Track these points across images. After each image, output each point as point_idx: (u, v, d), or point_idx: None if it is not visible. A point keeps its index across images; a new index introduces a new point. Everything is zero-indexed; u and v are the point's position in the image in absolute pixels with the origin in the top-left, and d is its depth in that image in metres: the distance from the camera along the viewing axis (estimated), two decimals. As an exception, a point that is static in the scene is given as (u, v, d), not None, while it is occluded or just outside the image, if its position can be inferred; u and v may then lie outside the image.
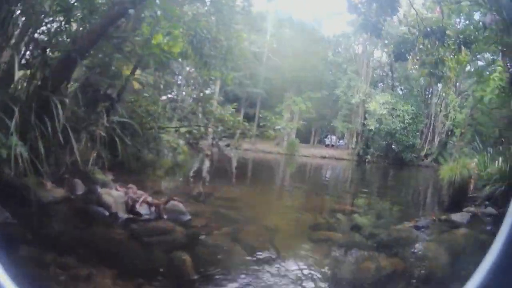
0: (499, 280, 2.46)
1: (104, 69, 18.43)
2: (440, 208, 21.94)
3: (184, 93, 24.98)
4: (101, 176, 15.51)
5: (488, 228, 16.31)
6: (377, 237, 14.49)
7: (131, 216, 13.13)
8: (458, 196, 20.02)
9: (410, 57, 25.14)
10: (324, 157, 50.56)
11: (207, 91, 52.15)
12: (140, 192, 14.16)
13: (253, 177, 30.47)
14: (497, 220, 16.32)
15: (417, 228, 15.99)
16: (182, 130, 23.96)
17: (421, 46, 23.17)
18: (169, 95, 24.92)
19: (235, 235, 12.84)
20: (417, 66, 29.31)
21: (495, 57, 38.02)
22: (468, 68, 42.89)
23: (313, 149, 52.81)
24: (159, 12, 19.52)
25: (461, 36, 22.11)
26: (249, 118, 36.88)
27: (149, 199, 13.81)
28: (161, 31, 20.20)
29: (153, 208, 13.51)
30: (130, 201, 13.47)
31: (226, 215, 15.44)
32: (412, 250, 13.96)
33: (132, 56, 20.05)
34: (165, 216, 13.30)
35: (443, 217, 17.46)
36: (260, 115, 37.63)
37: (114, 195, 13.59)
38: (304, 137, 53.10)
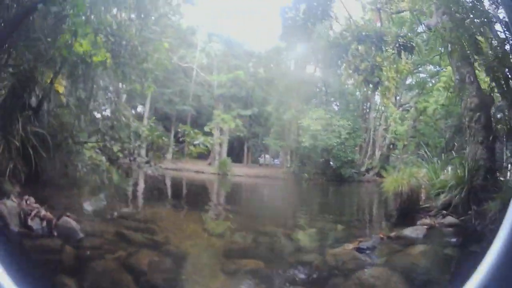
0: (499, 280, 2.49)
1: (25, 77, 17.50)
2: (389, 224, 19.74)
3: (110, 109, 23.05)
4: (9, 187, 14.21)
5: (452, 240, 14.77)
6: (307, 266, 12.65)
7: (22, 229, 11.94)
8: (408, 208, 18.36)
9: (344, 65, 24.19)
10: (258, 177, 49.19)
11: (139, 109, 52.32)
12: (35, 205, 13.00)
13: (181, 197, 28.76)
14: (461, 230, 15.15)
15: (361, 250, 13.78)
16: (100, 145, 22.41)
17: (355, 52, 22.10)
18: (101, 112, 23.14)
19: (128, 261, 11.46)
20: (351, 79, 27.74)
21: (439, 69, 38.47)
22: (409, 81, 43.48)
23: (247, 168, 51.65)
24: (83, 17, 19.62)
25: (401, 40, 21.12)
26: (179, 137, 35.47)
27: (42, 212, 12.63)
28: (83, 36, 19.95)
29: (44, 223, 12.26)
30: (22, 214, 12.26)
31: (129, 237, 14.00)
32: (355, 280, 11.48)
33: (52, 64, 19.53)
34: (55, 233, 12.11)
35: (393, 233, 15.39)
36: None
37: (8, 205, 12.44)
38: (237, 156, 52.37)
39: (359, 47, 21.60)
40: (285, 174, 49.36)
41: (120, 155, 21.24)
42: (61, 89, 22.41)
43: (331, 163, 47.04)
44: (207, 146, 21.12)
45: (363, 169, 47.85)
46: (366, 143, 48.82)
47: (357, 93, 50.41)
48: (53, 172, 17.87)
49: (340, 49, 20.99)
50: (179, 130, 22.50)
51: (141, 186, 28.45)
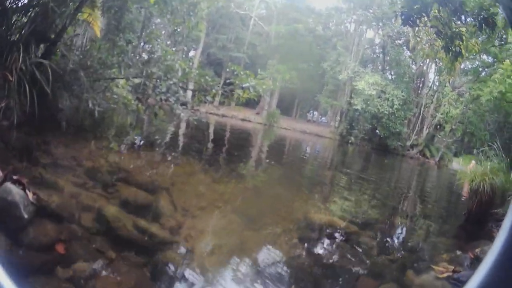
0: (499, 280, 1.92)
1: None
2: (464, 233, 15.46)
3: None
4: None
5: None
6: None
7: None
8: (481, 212, 14.27)
9: (417, 29, 20.90)
10: (304, 132, 47.16)
11: (191, 54, 50.02)
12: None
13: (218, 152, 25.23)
14: None
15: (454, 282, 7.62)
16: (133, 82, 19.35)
17: (437, 15, 18.69)
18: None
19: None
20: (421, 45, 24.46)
21: (492, 60, 37.50)
22: (463, 65, 40.17)
23: (295, 122, 49.74)
24: None
25: (484, 13, 17.69)
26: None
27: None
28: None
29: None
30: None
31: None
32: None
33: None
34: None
35: (477, 250, 9.37)
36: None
37: None
38: (286, 109, 50.28)
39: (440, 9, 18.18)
40: (332, 134, 47.30)
41: (155, 95, 17.87)
42: (96, 24, 19.99)
43: (377, 131, 44.66)
44: (257, 92, 17.33)
45: (408, 143, 45.14)
46: (415, 118, 45.80)
47: (413, 65, 48.08)
48: (61, 112, 14.48)
49: (422, 8, 17.37)
50: (227, 70, 18.82)
51: (175, 131, 25.85)
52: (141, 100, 18.25)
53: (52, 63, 14.13)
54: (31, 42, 13.93)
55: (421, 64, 47.62)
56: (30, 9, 14.63)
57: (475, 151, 39.60)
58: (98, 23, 20.16)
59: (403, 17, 18.04)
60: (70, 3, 15.86)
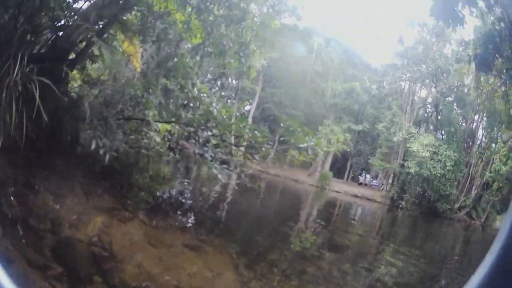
0: (499, 280, 2.21)
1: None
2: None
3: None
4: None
5: None
6: None
7: None
8: None
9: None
10: (356, 196, 43.14)
11: (246, 108, 47.40)
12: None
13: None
14: None
15: None
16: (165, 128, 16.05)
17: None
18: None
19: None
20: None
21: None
22: None
23: (346, 185, 45.87)
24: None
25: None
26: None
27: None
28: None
29: None
30: None
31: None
32: None
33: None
34: None
35: None
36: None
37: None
38: (338, 171, 47.21)
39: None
40: (383, 198, 43.31)
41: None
42: (136, 58, 17.70)
43: (426, 194, 40.47)
44: (316, 155, 13.72)
45: (456, 206, 40.89)
46: (464, 178, 41.40)
47: (463, 124, 44.04)
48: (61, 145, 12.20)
49: (494, 49, 13.83)
50: (281, 125, 14.97)
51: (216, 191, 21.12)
52: (173, 149, 14.41)
53: (63, 88, 12.51)
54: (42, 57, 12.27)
55: (472, 121, 43.92)
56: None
57: None
58: (138, 57, 17.61)
59: (476, 61, 15.03)
60: (98, 23, 14.02)
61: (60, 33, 13.17)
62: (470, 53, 18.36)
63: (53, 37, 13.22)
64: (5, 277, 2.46)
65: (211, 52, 17.57)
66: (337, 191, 42.01)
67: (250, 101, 45.54)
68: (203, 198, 18.81)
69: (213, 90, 35.10)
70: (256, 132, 14.90)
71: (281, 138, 16.02)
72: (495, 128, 38.35)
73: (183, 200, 16.56)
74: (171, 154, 14.81)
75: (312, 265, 13.13)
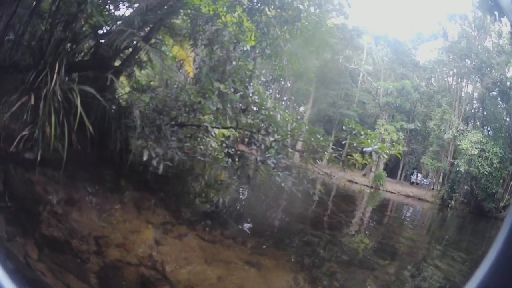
0: (499, 280, 2.17)
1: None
2: None
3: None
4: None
5: None
6: None
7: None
8: None
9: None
10: (408, 196, 42.30)
11: (301, 109, 46.77)
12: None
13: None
14: None
15: None
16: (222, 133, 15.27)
17: None
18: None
19: None
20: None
21: None
22: None
23: (399, 185, 45.00)
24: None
25: None
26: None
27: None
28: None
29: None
30: None
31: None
32: None
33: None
34: None
35: None
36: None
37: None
38: (391, 171, 46.34)
39: None
40: (433, 197, 42.02)
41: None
42: (188, 62, 17.31)
43: (475, 193, 38.80)
44: (381, 157, 12.74)
45: (501, 204, 38.66)
46: (509, 176, 39.33)
47: (507, 119, 42.56)
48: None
49: None
50: (344, 128, 13.83)
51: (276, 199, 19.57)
52: (232, 156, 13.49)
53: (110, 96, 12.29)
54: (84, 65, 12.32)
55: None
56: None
57: None
58: (190, 61, 17.22)
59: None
60: (143, 28, 13.64)
61: (103, 40, 12.81)
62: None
63: (95, 45, 12.89)
64: (5, 277, 2.37)
65: (269, 54, 16.53)
66: (390, 192, 41.25)
67: (305, 101, 45.11)
68: (261, 206, 17.36)
69: (268, 92, 34.28)
70: (318, 135, 13.92)
71: (341, 140, 14.75)
72: None
73: (241, 209, 15.55)
74: (230, 160, 13.63)
75: (370, 275, 12.07)
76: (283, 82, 35.48)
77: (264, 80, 37.19)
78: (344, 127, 13.53)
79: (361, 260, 13.54)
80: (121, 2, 14.42)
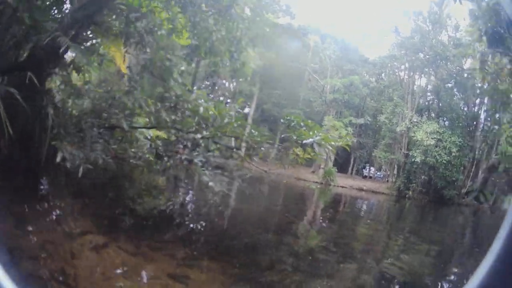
0: (500, 280, 2.19)
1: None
2: None
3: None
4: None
5: None
6: None
7: None
8: None
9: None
10: (361, 190, 42.67)
11: (246, 110, 46.82)
12: None
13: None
14: None
15: None
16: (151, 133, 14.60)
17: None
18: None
19: None
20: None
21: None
22: None
23: (351, 179, 45.42)
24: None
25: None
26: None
27: None
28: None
29: None
30: None
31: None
32: None
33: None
34: None
35: None
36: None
37: None
38: (341, 166, 46.10)
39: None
40: (389, 189, 42.47)
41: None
42: (119, 61, 15.67)
43: (433, 182, 39.70)
44: (324, 149, 12.31)
45: (463, 191, 40.24)
46: (470, 163, 41.06)
47: (465, 108, 44.24)
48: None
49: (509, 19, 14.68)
50: (282, 120, 13.59)
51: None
52: (161, 157, 12.89)
53: (40, 98, 11.66)
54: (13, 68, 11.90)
55: (473, 105, 44.31)
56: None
57: None
58: (121, 60, 15.65)
59: (488, 35, 14.12)
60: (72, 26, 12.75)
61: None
62: (481, 28, 17.47)
63: (32, 46, 12.34)
64: (5, 277, 2.35)
65: (198, 46, 16.49)
66: (342, 186, 41.28)
67: (248, 103, 44.81)
68: (196, 212, 16.45)
69: (205, 90, 34.22)
70: (253, 131, 13.71)
71: (283, 136, 14.38)
72: (500, 110, 34.34)
73: (174, 215, 14.54)
74: (159, 162, 13.04)
75: (322, 284, 11.65)
76: (222, 80, 35.39)
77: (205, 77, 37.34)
78: (282, 120, 13.29)
79: (311, 265, 12.98)
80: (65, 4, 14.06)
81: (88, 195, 12.10)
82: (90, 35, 14.48)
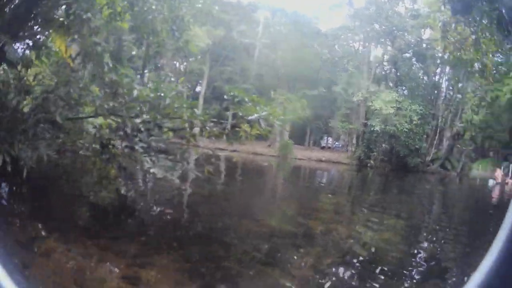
0: (500, 280, 1.82)
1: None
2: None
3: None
4: None
5: None
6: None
7: None
8: None
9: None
10: (320, 161, 43.00)
11: (197, 89, 46.48)
12: None
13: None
14: None
15: None
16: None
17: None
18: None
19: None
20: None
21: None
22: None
23: (309, 151, 45.84)
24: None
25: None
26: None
27: None
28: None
29: None
30: None
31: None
32: None
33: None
34: None
35: None
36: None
37: None
38: (298, 138, 46.56)
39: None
40: (349, 159, 43.01)
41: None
42: (62, 49, 15.18)
43: (395, 150, 40.36)
44: (271, 125, 12.00)
45: (428, 159, 41.47)
46: (433, 131, 42.10)
47: (425, 78, 45.07)
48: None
49: None
50: (225, 97, 13.32)
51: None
52: (105, 147, 12.74)
53: None
54: None
55: (434, 74, 45.32)
56: None
57: (491, 153, 41.61)
58: (65, 50, 15.23)
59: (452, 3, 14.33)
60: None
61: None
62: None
63: None
64: (5, 277, 2.09)
65: (135, 27, 16.63)
66: (300, 159, 41.48)
67: (200, 81, 45.34)
68: (145, 202, 15.19)
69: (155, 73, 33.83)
70: (195, 110, 13.36)
71: (233, 113, 14.10)
72: (464, 79, 38.67)
73: (124, 208, 13.37)
74: (104, 151, 12.68)
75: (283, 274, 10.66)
76: (177, 64, 35.19)
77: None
78: (225, 97, 13.08)
79: (270, 254, 12.29)
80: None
81: (37, 196, 11.69)
82: (38, 29, 14.39)
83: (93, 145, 13.10)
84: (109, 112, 12.49)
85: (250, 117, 11.84)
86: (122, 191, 13.75)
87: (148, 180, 16.36)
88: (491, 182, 33.19)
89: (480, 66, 24.70)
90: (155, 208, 14.57)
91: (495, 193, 27.50)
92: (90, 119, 14.04)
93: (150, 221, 12.96)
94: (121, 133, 12.14)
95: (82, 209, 12.32)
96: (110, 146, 12.48)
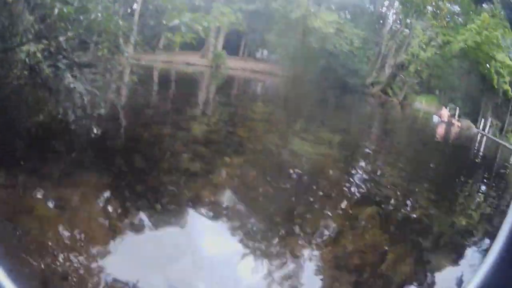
0: (500, 280, 2.19)
1: None
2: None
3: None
4: None
5: None
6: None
7: None
8: None
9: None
10: (255, 71, 43.76)
11: (134, 6, 45.73)
12: None
13: None
14: None
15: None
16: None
17: None
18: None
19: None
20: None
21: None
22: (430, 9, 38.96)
23: (243, 62, 45.29)
24: None
25: None
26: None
27: None
28: None
29: None
30: None
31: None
32: None
33: None
34: None
35: None
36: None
37: None
38: (233, 50, 45.02)
39: None
40: (283, 71, 42.47)
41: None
42: None
43: (332, 68, 40.46)
44: (194, 32, 12.54)
45: (368, 80, 42.23)
46: (376, 56, 42.48)
47: (370, 7, 44.85)
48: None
49: None
50: (150, 7, 13.63)
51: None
52: (33, 70, 12.87)
53: None
54: None
55: (381, 6, 44.68)
56: None
57: (437, 91, 40.91)
58: None
59: None
60: None
61: None
62: None
63: None
64: (5, 277, 2.38)
65: None
66: (233, 69, 42.21)
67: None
68: (73, 120, 14.39)
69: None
70: (119, 22, 13.96)
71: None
72: (413, 16, 39.46)
73: (50, 130, 13.30)
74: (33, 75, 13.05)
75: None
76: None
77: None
78: (150, 6, 13.15)
79: (194, 161, 12.85)
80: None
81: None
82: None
83: (24, 72, 12.74)
84: (37, 36, 12.51)
85: (171, 23, 12.39)
86: (56, 114, 13.76)
87: (85, 100, 15.80)
88: (435, 119, 35.48)
89: (434, 10, 25.86)
90: (85, 125, 14.54)
91: (440, 131, 30.27)
92: (25, 48, 12.86)
93: (78, 141, 13.30)
94: (46, 53, 12.42)
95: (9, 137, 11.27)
96: (37, 69, 12.65)
